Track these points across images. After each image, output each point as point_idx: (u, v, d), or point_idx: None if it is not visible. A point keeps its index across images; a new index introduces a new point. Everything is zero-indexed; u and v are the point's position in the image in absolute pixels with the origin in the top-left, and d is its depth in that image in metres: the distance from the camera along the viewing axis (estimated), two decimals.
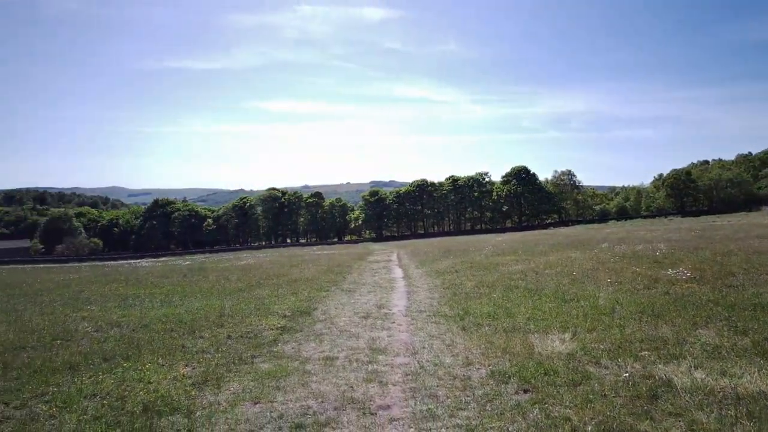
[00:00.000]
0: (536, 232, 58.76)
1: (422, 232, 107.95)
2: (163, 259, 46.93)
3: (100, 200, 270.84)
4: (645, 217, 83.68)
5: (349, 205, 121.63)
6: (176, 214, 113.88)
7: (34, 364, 6.12)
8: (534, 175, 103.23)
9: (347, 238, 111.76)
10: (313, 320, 8.91)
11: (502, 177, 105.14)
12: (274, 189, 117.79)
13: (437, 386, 4.97)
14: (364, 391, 4.96)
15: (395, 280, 15.26)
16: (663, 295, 8.56)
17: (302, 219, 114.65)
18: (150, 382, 5.35)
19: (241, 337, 7.65)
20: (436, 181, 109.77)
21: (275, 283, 14.98)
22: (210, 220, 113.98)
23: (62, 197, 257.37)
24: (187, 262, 31.68)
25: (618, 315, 7.31)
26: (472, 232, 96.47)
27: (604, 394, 4.33)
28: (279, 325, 8.42)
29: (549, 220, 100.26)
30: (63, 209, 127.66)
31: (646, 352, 5.44)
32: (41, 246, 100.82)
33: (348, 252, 36.41)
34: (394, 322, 8.42)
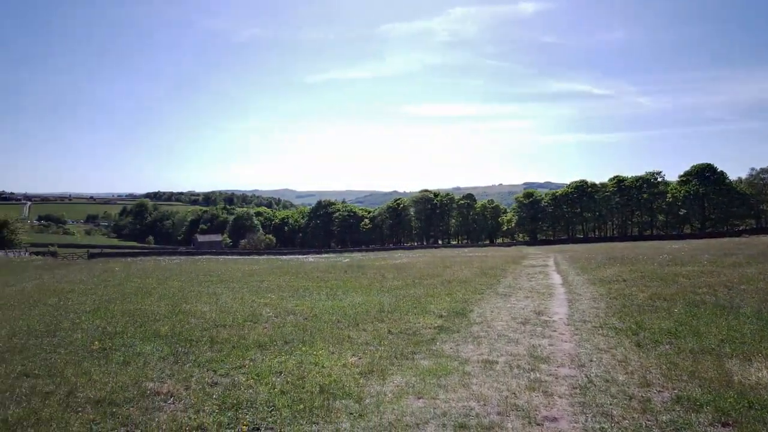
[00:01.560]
0: (725, 240, 50.21)
1: (581, 236, 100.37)
2: (325, 255, 51.20)
3: (273, 201, 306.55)
4: None
5: (501, 207, 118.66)
6: (337, 214, 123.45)
7: (232, 340, 7.17)
8: (722, 173, 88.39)
9: (499, 240, 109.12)
10: (469, 322, 8.89)
11: (680, 176, 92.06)
12: (426, 191, 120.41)
13: (610, 405, 4.57)
14: (528, 399, 4.79)
15: (554, 286, 14.43)
16: None
17: (453, 220, 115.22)
18: (324, 367, 5.89)
19: (401, 333, 7.97)
20: (597, 182, 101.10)
21: (430, 283, 15.28)
22: (366, 221, 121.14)
23: (245, 198, 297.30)
24: (347, 260, 34.07)
25: None
26: (641, 237, 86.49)
27: None
28: (436, 325, 8.58)
29: (742, 227, 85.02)
30: (245, 209, 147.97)
31: None
32: (229, 240, 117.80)
33: (501, 255, 35.51)
34: (555, 331, 7.98)
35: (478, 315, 9.61)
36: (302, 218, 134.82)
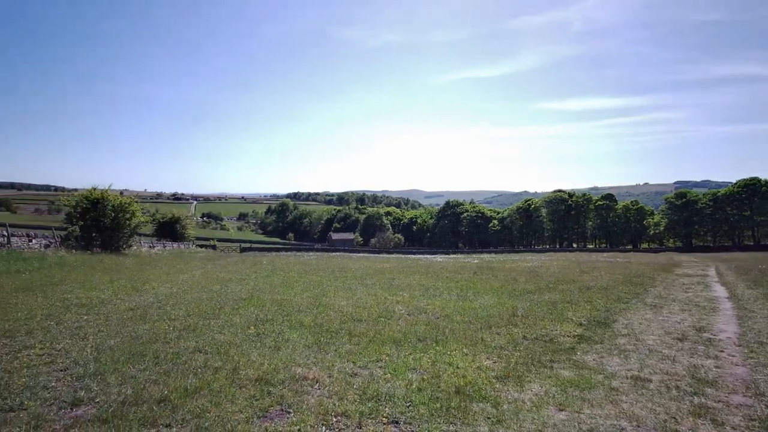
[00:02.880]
0: None
1: (751, 243, 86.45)
2: (453, 256, 50.97)
3: (402, 201, 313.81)
4: None
5: (647, 208, 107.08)
6: (465, 214, 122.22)
7: (368, 335, 7.50)
8: None
9: (643, 245, 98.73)
10: (613, 333, 8.17)
11: None
12: (560, 191, 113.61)
13: None
14: (692, 426, 4.25)
15: (717, 299, 12.63)
16: None
17: (590, 223, 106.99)
18: (458, 368, 5.86)
19: (536, 339, 7.62)
20: None
21: (565, 289, 14.39)
22: (495, 221, 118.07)
23: (375, 198, 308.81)
24: (476, 261, 33.55)
25: None
26: None
27: None
28: (575, 333, 8.05)
29: None
30: (376, 209, 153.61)
31: None
32: (361, 238, 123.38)
33: (647, 261, 32.06)
34: (722, 351, 6.96)
35: (623, 326, 8.80)
36: (430, 218, 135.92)
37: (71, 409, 4.35)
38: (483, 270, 22.04)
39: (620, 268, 23.29)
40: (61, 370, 5.37)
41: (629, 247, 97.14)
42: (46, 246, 22.52)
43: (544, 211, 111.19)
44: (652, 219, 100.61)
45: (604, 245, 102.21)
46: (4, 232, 19.88)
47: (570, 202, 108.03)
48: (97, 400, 4.51)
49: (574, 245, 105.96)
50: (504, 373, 5.69)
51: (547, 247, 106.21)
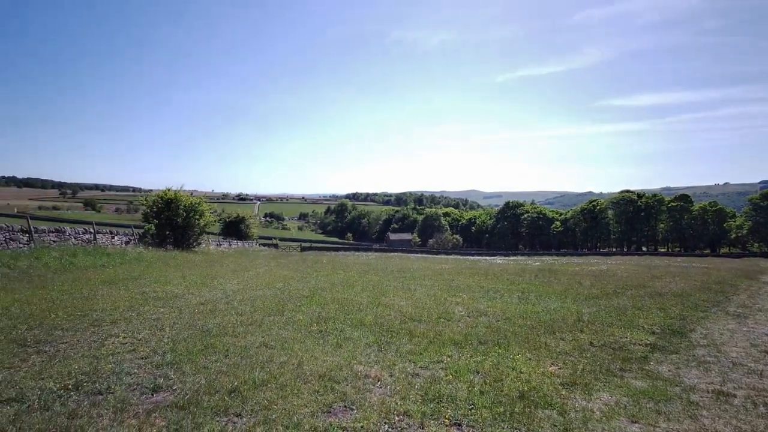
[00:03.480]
0: None
1: None
2: (513, 258, 49.72)
3: (460, 202, 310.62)
4: None
5: (727, 210, 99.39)
6: (525, 216, 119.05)
7: (428, 335, 7.47)
8: None
9: (724, 250, 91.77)
10: (690, 343, 7.66)
11: None
12: (628, 191, 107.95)
13: None
14: None
15: None
16: None
17: (662, 225, 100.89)
18: (521, 372, 5.72)
19: (604, 346, 7.29)
20: None
21: (635, 294, 13.65)
22: (557, 223, 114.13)
23: (433, 199, 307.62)
24: (537, 263, 32.54)
25: None
26: None
27: None
28: (647, 342, 7.62)
29: None
30: (434, 209, 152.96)
31: None
32: (418, 239, 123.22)
33: (728, 267, 29.76)
34: None
35: (701, 336, 8.22)
36: (489, 219, 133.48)
37: (152, 394, 4.66)
38: (545, 273, 21.35)
39: (697, 274, 21.78)
40: (142, 358, 5.76)
41: (707, 251, 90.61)
42: (126, 243, 24.23)
43: (610, 212, 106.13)
44: (734, 221, 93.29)
45: (677, 249, 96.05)
46: (91, 230, 21.59)
47: (639, 203, 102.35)
48: (174, 388, 4.80)
49: (644, 248, 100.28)
50: (570, 380, 5.49)
51: (614, 250, 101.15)
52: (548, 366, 6.08)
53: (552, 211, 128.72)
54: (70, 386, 4.73)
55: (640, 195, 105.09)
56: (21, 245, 16.66)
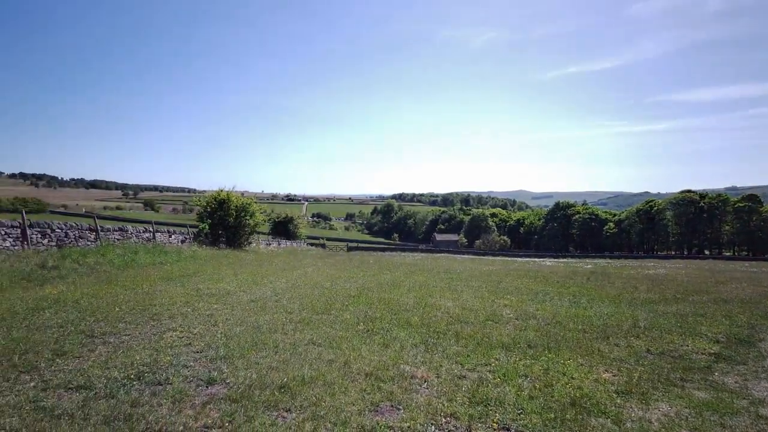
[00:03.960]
0: None
1: None
2: (564, 260, 48.20)
3: (508, 202, 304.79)
4: None
5: None
6: (576, 216, 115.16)
7: (476, 337, 7.38)
8: None
9: None
10: (759, 353, 7.17)
11: None
12: (688, 191, 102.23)
13: None
14: None
15: None
16: None
17: (727, 227, 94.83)
18: (573, 378, 5.54)
19: (663, 354, 6.94)
20: None
21: (697, 300, 12.91)
22: (611, 224, 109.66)
23: (480, 200, 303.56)
24: (589, 266, 31.40)
25: None
26: None
27: None
28: (711, 351, 7.19)
29: None
30: (481, 210, 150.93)
31: None
32: (465, 239, 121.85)
33: None
34: None
35: None
36: (538, 220, 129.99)
37: (206, 387, 4.85)
38: (597, 276, 20.58)
39: (767, 280, 20.35)
40: (197, 352, 6.01)
41: None
42: (182, 241, 25.36)
43: (669, 213, 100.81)
44: None
45: (744, 253, 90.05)
46: (150, 229, 22.74)
47: (701, 203, 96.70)
48: (228, 381, 4.98)
49: (706, 252, 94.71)
50: (626, 389, 5.27)
51: (672, 253, 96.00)
52: (601, 373, 5.87)
53: (605, 212, 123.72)
54: (132, 376, 5.01)
55: (702, 195, 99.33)
56: (89, 243, 17.77)
